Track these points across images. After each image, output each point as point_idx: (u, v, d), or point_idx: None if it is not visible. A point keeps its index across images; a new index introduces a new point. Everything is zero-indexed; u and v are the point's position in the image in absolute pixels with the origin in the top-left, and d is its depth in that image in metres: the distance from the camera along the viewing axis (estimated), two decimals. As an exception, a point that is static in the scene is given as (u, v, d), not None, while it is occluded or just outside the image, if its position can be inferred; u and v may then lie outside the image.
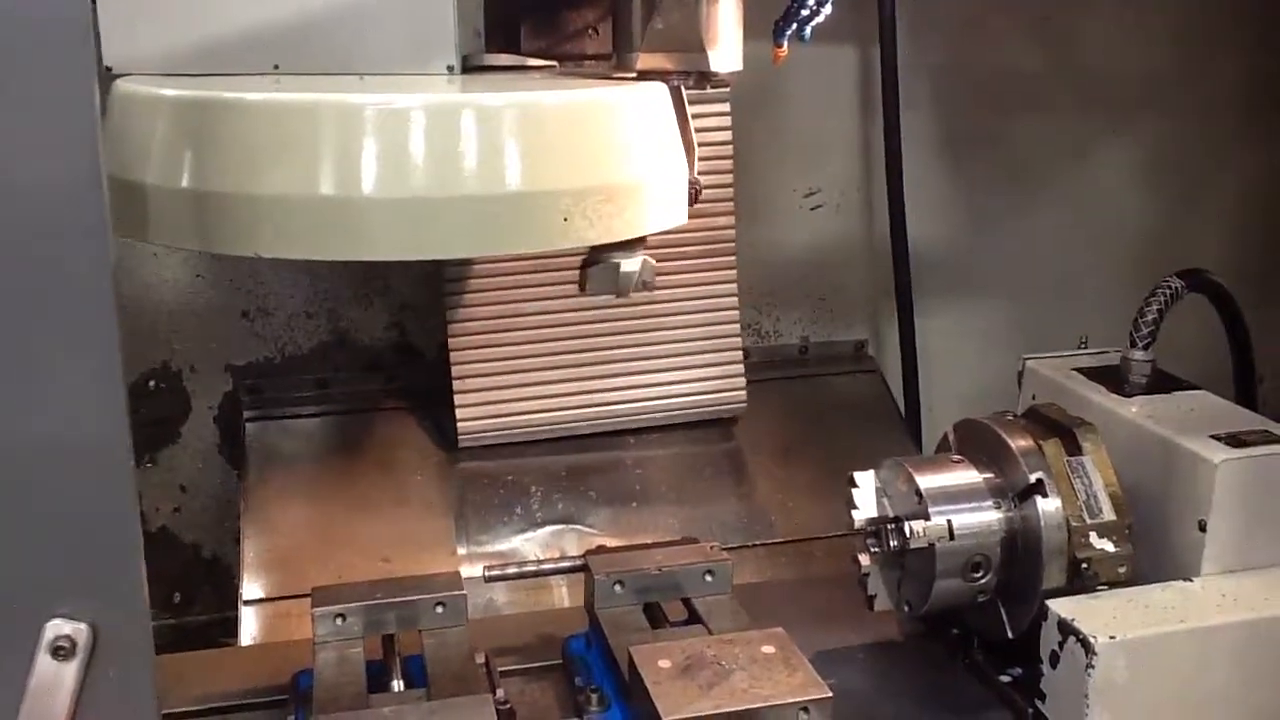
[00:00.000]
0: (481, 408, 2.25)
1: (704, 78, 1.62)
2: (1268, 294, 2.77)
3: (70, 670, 1.08)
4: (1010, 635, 1.64)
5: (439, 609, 1.60)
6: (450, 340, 2.23)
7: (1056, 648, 1.54)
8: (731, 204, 2.33)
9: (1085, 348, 1.96)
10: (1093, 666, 1.49)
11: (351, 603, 1.59)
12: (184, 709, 1.61)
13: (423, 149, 1.30)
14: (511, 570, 1.66)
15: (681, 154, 1.55)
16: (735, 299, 2.36)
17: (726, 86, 2.22)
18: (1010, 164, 2.74)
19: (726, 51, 1.62)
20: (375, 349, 2.46)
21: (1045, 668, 1.57)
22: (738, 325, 2.37)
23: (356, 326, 2.44)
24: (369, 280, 2.42)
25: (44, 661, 1.08)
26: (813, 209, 2.64)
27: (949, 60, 2.61)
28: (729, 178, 2.32)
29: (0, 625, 1.08)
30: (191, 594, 2.45)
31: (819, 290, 2.68)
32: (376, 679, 1.54)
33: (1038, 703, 1.58)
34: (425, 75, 1.56)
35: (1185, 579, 1.62)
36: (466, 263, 2.22)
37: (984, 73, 2.50)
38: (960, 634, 1.72)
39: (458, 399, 2.23)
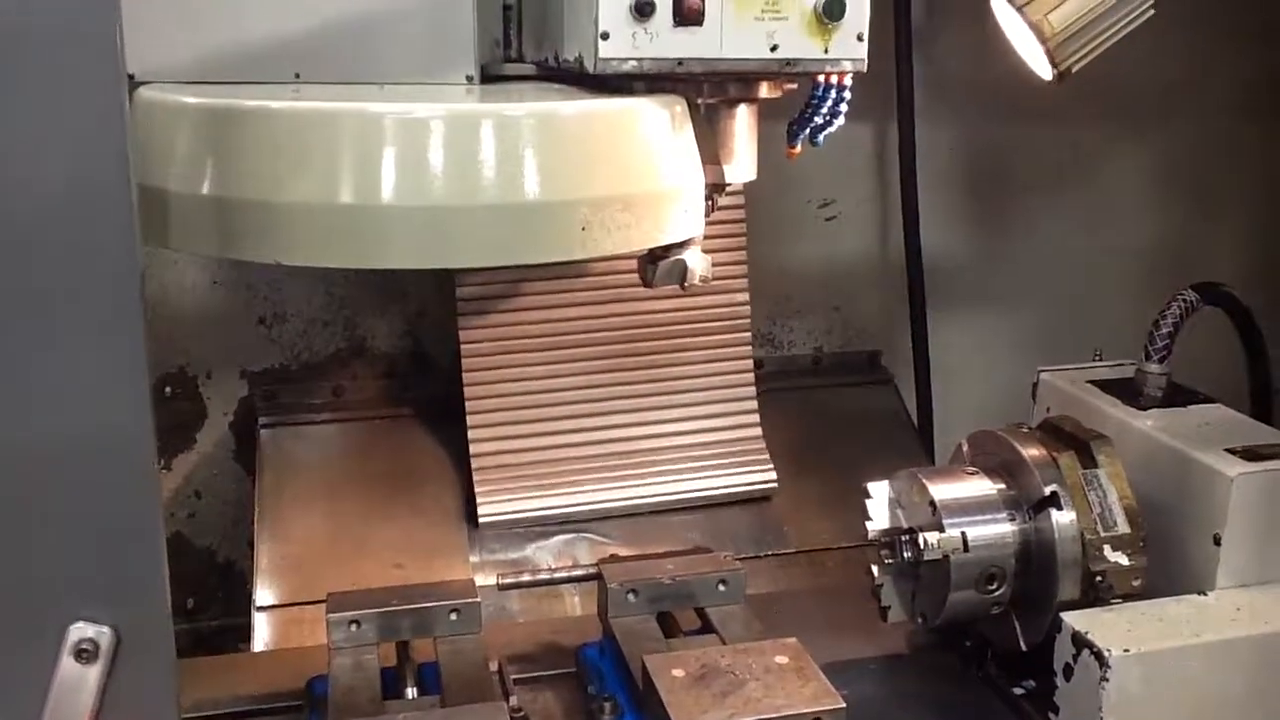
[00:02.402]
0: (501, 494, 2.20)
1: (719, 188, 1.68)
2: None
3: (93, 673, 1.09)
4: (1024, 647, 1.64)
5: (453, 616, 1.61)
6: (470, 431, 2.21)
7: (1070, 660, 1.54)
8: (746, 280, 2.33)
9: (1100, 360, 1.96)
10: (1107, 680, 1.49)
11: (366, 609, 1.60)
12: (199, 714, 1.61)
13: (441, 158, 1.31)
14: (526, 578, 1.67)
15: (698, 166, 1.56)
16: (751, 374, 2.34)
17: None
18: (1024, 174, 2.74)
19: (742, 164, 1.69)
20: (390, 357, 2.46)
21: (1059, 680, 1.56)
22: (755, 402, 2.34)
23: (372, 334, 2.45)
24: (385, 289, 2.43)
25: (67, 664, 1.09)
26: (827, 220, 2.64)
27: (962, 71, 2.61)
28: (742, 254, 2.32)
29: (24, 628, 1.09)
30: (205, 600, 2.45)
31: (833, 301, 2.68)
32: (391, 685, 1.56)
33: (1051, 715, 1.58)
34: (445, 84, 1.57)
35: (1200, 592, 1.62)
36: (486, 354, 2.23)
37: (997, 83, 2.50)
38: (974, 646, 1.72)
39: (478, 487, 2.19)
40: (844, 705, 1.43)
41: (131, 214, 1.05)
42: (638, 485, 2.26)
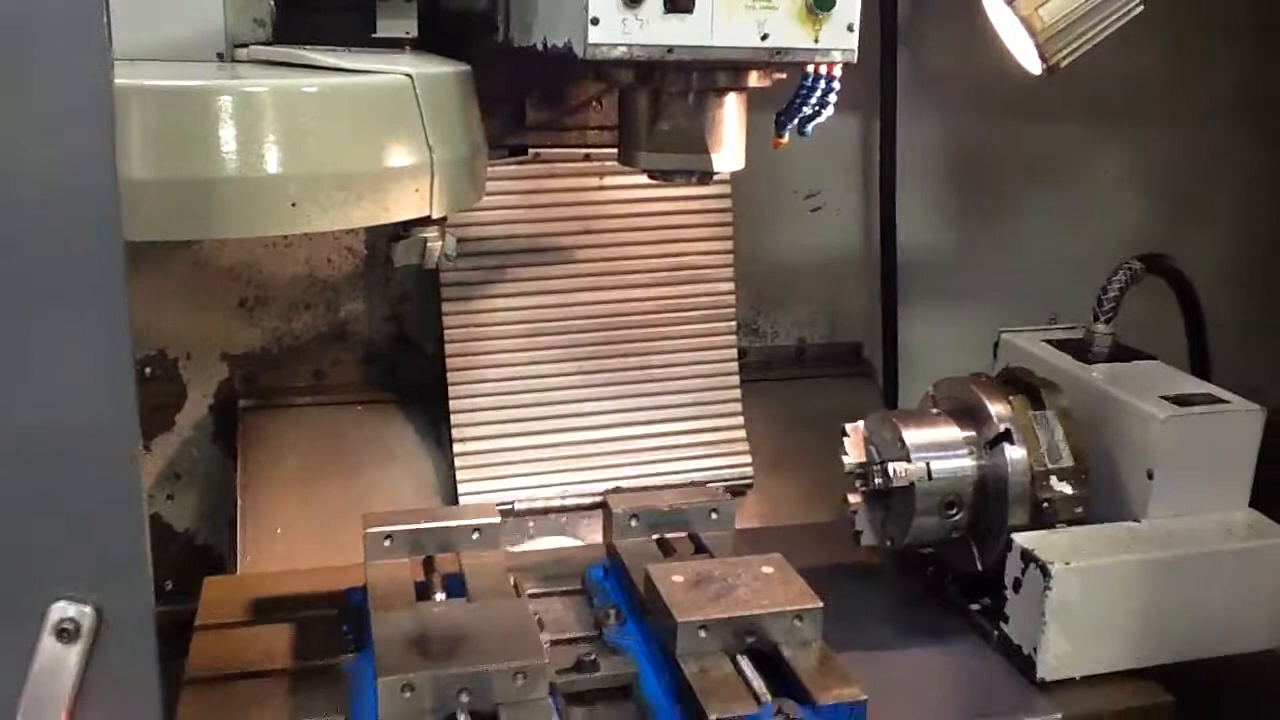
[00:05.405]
0: (482, 480, 2.67)
1: (706, 176, 2.02)
2: (1267, 303, 3.33)
3: (74, 653, 1.22)
4: (980, 568, 2.25)
5: (475, 535, 2.21)
6: (453, 417, 2.67)
7: (1019, 575, 2.15)
8: (731, 270, 2.79)
9: (1055, 324, 2.63)
10: (1050, 589, 2.08)
11: (399, 526, 2.20)
12: (239, 620, 2.20)
13: (138, 132, 1.53)
14: (539, 505, 2.33)
15: (425, 146, 1.78)
16: (735, 364, 2.83)
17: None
18: (1006, 170, 3.24)
19: (729, 152, 2.01)
20: (373, 340, 2.85)
21: (1009, 593, 2.17)
22: (738, 391, 2.83)
23: (354, 318, 2.83)
24: (368, 272, 2.81)
25: (48, 643, 1.22)
26: (813, 211, 3.13)
27: (948, 65, 3.07)
28: (728, 244, 2.79)
29: (5, 607, 1.21)
30: (184, 582, 2.70)
31: (818, 292, 3.16)
32: (421, 593, 2.14)
33: (1002, 624, 2.19)
34: (193, 62, 1.83)
35: (1134, 520, 2.25)
36: (469, 339, 2.67)
37: (983, 78, 2.81)
38: (935, 570, 2.36)
39: (460, 474, 2.66)
40: (822, 605, 2.01)
41: (115, 196, 1.18)
42: (619, 474, 2.72)
